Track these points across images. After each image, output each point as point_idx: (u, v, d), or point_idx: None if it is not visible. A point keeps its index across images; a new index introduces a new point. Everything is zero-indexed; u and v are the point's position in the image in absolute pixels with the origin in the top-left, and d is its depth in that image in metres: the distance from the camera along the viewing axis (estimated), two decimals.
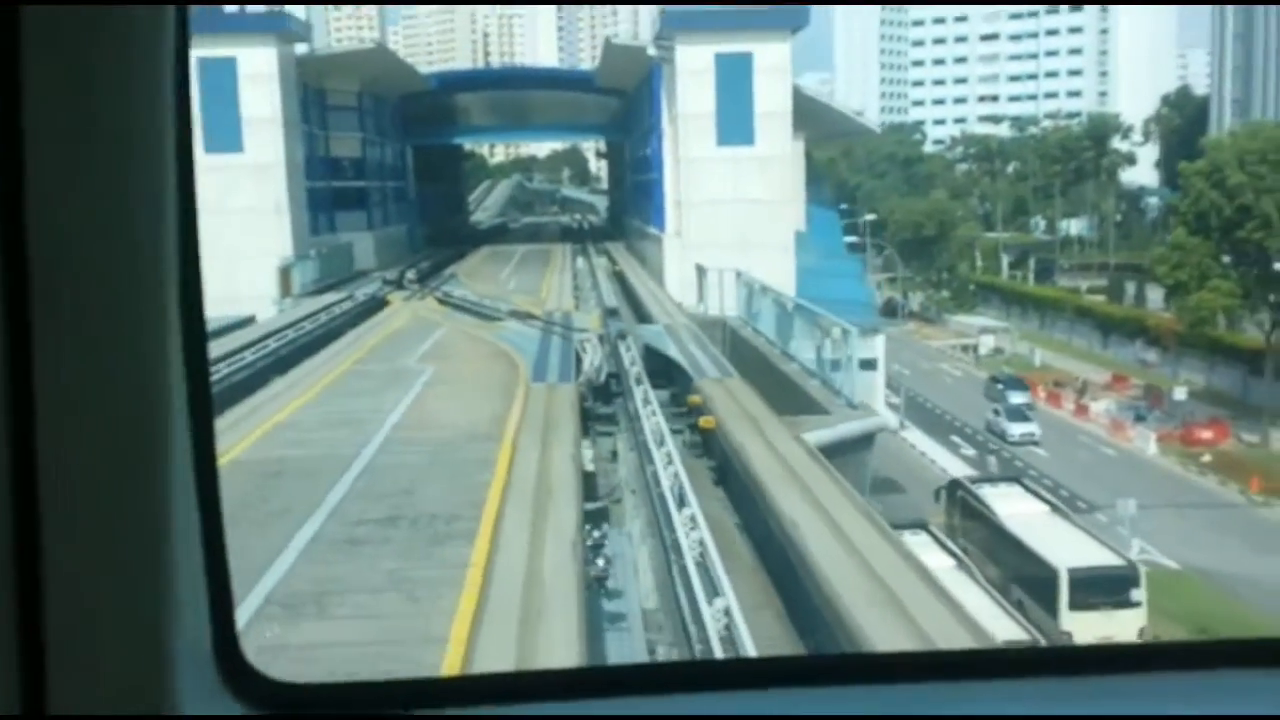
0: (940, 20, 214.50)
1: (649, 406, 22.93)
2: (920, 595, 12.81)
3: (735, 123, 49.47)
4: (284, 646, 11.00)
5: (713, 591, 12.44)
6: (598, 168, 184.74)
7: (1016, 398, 69.94)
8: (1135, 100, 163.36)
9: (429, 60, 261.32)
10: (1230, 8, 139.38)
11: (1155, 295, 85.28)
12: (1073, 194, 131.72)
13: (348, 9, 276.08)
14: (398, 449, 19.46)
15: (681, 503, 15.88)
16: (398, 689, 2.25)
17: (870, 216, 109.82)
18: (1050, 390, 74.88)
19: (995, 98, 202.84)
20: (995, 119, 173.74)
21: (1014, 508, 38.81)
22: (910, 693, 2.09)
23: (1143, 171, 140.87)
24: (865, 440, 24.47)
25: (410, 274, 54.33)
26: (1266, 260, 61.68)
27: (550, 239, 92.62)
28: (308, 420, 22.40)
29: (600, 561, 14.19)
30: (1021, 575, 36.06)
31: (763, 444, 19.82)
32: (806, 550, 14.08)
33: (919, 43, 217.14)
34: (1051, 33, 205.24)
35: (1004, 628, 26.97)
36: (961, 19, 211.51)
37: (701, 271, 45.12)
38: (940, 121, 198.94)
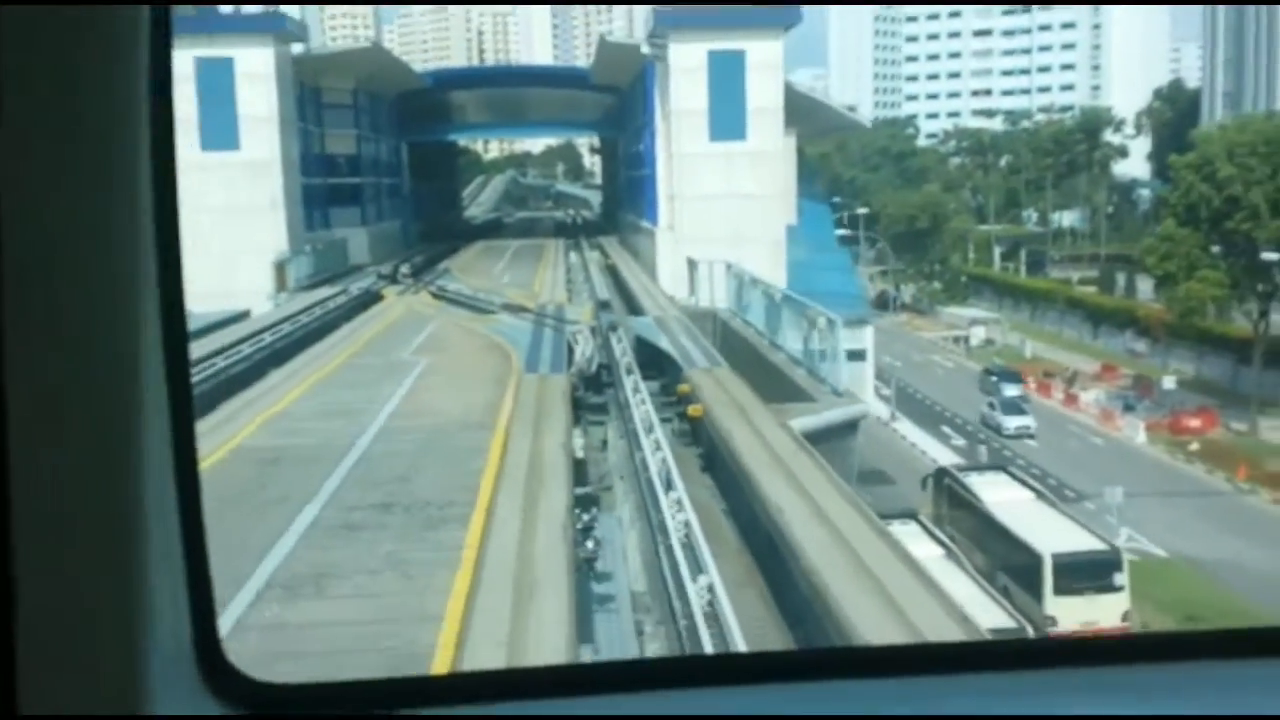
0: (934, 16, 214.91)
1: (638, 395, 23.43)
2: (898, 572, 13.29)
3: (728, 119, 49.84)
4: (284, 625, 11.48)
5: (697, 569, 12.94)
6: (592, 163, 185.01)
7: (1011, 390, 69.81)
8: (1128, 94, 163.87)
9: (424, 58, 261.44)
10: (1221, 5, 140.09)
11: (1146, 286, 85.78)
12: (1065, 186, 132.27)
13: (342, 8, 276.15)
14: (393, 438, 19.93)
15: (669, 486, 16.38)
16: (380, 688, 2.22)
17: (863, 210, 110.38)
18: (1040, 380, 75.28)
19: (988, 92, 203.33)
20: (988, 113, 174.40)
21: (1000, 495, 39.31)
22: (901, 686, 2.10)
23: (1135, 164, 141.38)
24: (850, 426, 25.00)
25: (404, 269, 54.81)
26: (1254, 251, 62.13)
27: (544, 234, 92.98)
28: (304, 411, 22.85)
29: (590, 543, 14.67)
30: (1007, 561, 36.57)
31: (749, 431, 20.33)
32: (789, 531, 14.58)
33: (912, 38, 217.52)
34: (1044, 28, 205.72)
35: (992, 617, 27.37)
36: (955, 15, 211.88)
37: (693, 264, 45.61)
38: (934, 116, 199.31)
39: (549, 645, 10.60)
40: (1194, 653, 2.20)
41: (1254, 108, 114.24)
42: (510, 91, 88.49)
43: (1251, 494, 52.99)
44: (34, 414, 1.69)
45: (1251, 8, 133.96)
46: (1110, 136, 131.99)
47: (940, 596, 12.66)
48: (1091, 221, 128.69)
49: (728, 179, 48.82)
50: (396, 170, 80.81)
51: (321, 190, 62.41)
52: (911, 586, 12.71)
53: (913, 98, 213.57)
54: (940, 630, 11.56)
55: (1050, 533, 35.96)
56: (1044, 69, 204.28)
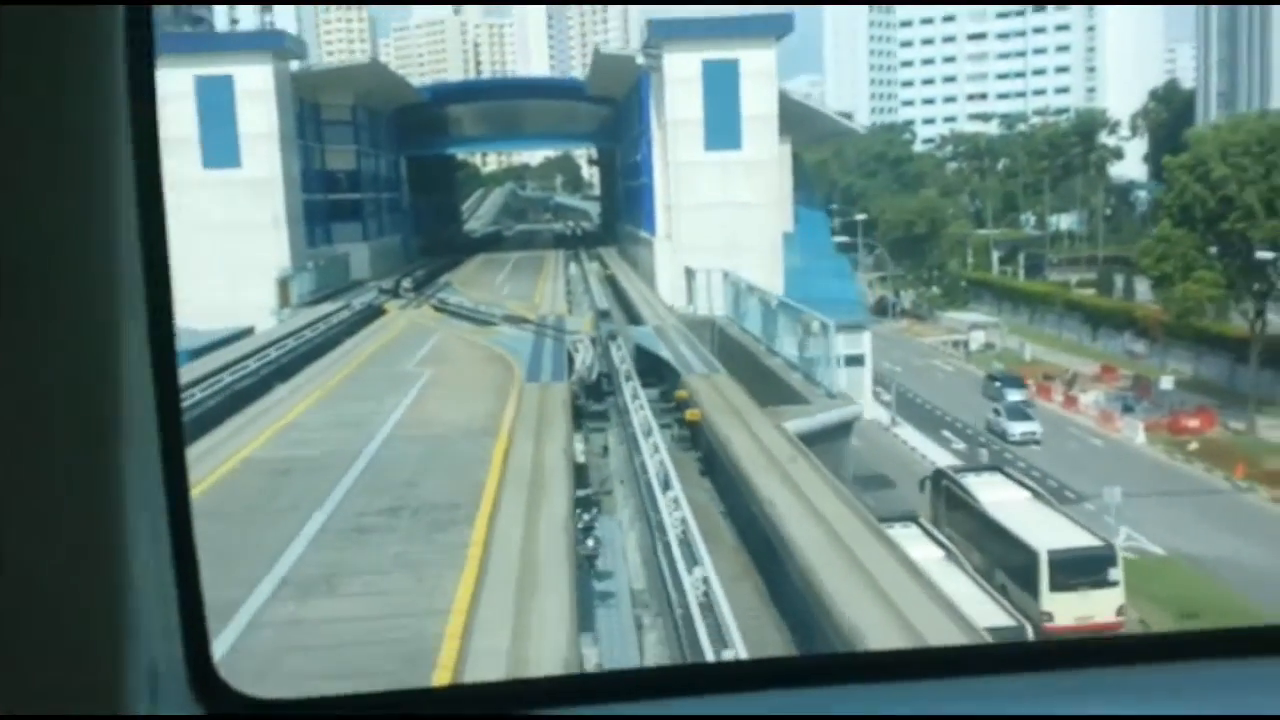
0: (928, 20, 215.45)
1: (637, 401, 23.99)
2: (889, 566, 13.81)
3: (723, 128, 50.39)
4: (299, 621, 12.01)
5: (693, 563, 13.46)
6: (590, 174, 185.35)
7: (1015, 395, 69.40)
8: (1123, 96, 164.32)
9: (420, 71, 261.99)
10: (1214, 5, 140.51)
11: (1144, 288, 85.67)
12: (1062, 189, 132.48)
13: (338, 23, 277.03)
14: (399, 446, 20.49)
15: (666, 486, 16.91)
16: (371, 702, 2.19)
17: (861, 216, 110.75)
18: (1040, 383, 75.28)
19: (984, 96, 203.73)
20: (984, 117, 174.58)
21: (996, 495, 39.77)
22: (902, 690, 2.10)
23: (1132, 165, 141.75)
24: (844, 427, 25.53)
25: (406, 283, 55.36)
26: (1250, 250, 62.25)
27: (543, 245, 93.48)
28: (312, 422, 23.39)
29: (590, 542, 15.21)
30: (1004, 559, 37.02)
31: (746, 433, 20.88)
32: (783, 527, 15.12)
33: (907, 43, 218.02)
34: (1039, 31, 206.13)
35: (992, 616, 27.69)
36: (949, 19, 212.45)
37: (690, 273, 46.14)
38: (930, 121, 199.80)
39: (551, 636, 11.12)
40: (1193, 653, 2.19)
41: (1249, 107, 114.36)
42: (507, 104, 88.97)
43: (1250, 492, 53.04)
44: (15, 422, 1.65)
45: (1244, 8, 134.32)
46: (1105, 138, 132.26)
47: (929, 588, 13.18)
48: (1089, 224, 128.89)
49: (724, 187, 49.36)
50: (396, 185, 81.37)
51: (322, 206, 62.98)
52: (901, 579, 13.23)
53: (909, 103, 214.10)
54: (925, 619, 12.05)
55: (1046, 530, 36.44)
56: (1039, 71, 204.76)
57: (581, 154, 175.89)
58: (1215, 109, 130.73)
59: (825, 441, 22.86)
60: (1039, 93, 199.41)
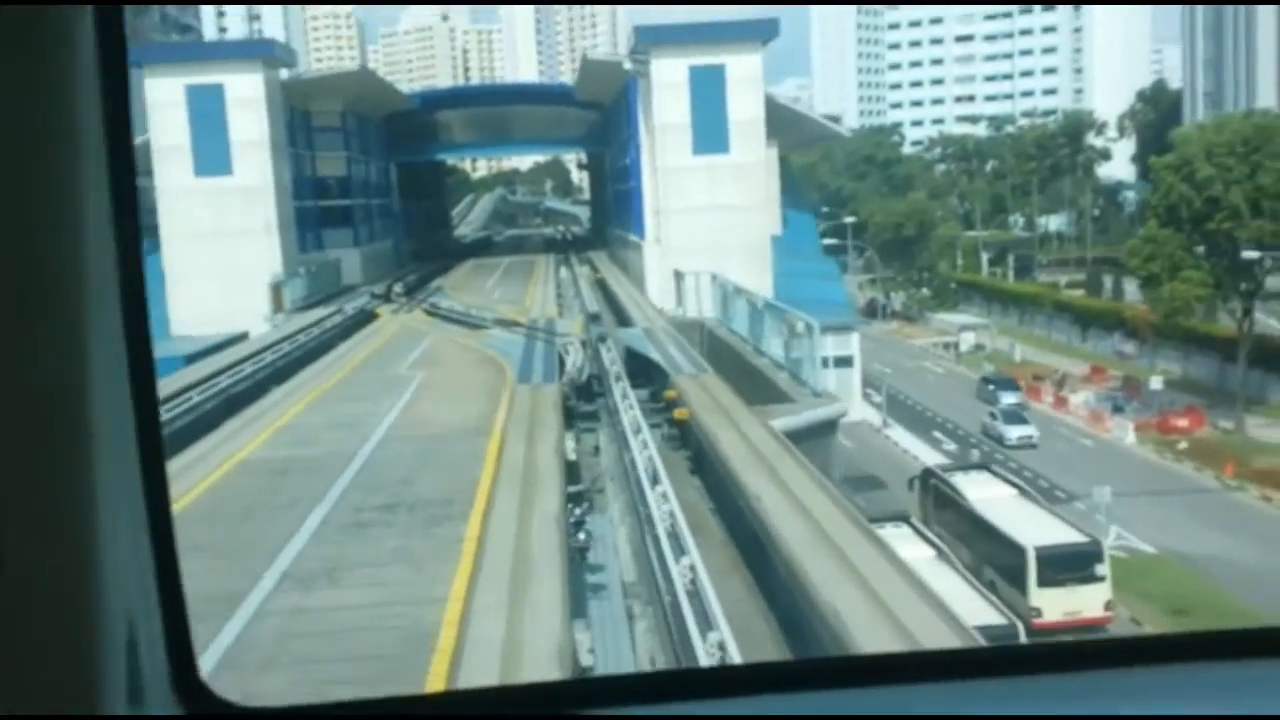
0: (916, 23, 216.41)
1: (626, 401, 24.44)
2: (868, 554, 14.24)
3: (710, 132, 50.81)
4: (302, 609, 12.43)
5: (680, 552, 13.91)
6: (580, 179, 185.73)
7: (1010, 398, 69.41)
8: (1111, 96, 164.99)
9: (409, 78, 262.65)
10: (1199, 5, 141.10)
11: (1132, 288, 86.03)
12: (1050, 191, 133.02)
13: (326, 30, 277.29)
14: (394, 446, 20.92)
15: (655, 481, 17.36)
16: (354, 709, 2.19)
17: (850, 219, 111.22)
18: (1030, 384, 75.70)
19: (972, 98, 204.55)
20: (972, 119, 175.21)
21: (984, 492, 40.30)
22: (902, 694, 2.10)
23: (1120, 166, 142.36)
24: (829, 425, 26.03)
25: (398, 287, 55.76)
26: (1236, 250, 62.61)
27: (534, 250, 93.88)
28: (308, 424, 23.81)
29: (581, 535, 15.66)
30: (992, 556, 37.54)
31: (733, 431, 21.34)
32: (768, 520, 15.58)
33: (895, 46, 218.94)
34: (1026, 32, 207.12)
35: (983, 615, 28.03)
36: (937, 21, 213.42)
37: (679, 276, 46.59)
38: (918, 123, 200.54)
39: (545, 622, 11.53)
40: (1186, 655, 2.19)
41: (1235, 107, 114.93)
42: (496, 110, 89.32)
43: (1239, 490, 53.42)
44: None
45: (1229, 7, 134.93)
46: (1093, 139, 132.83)
47: (908, 576, 13.63)
48: (1078, 225, 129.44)
49: (712, 191, 49.78)
50: (386, 191, 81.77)
51: (314, 212, 63.37)
52: (883, 568, 13.68)
53: (897, 105, 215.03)
54: (904, 606, 12.49)
55: (1033, 527, 37.02)
56: (1027, 73, 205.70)
57: (571, 159, 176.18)
58: (1202, 109, 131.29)
59: (812, 439, 23.37)
60: (1027, 94, 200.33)
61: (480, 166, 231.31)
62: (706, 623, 11.76)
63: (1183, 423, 63.65)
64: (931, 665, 2.26)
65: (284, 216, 55.39)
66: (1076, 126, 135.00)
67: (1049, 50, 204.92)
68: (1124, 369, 78.82)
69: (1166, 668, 2.17)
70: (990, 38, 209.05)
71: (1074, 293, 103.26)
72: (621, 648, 13.74)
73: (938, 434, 67.19)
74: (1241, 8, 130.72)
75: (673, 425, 25.86)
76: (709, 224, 48.83)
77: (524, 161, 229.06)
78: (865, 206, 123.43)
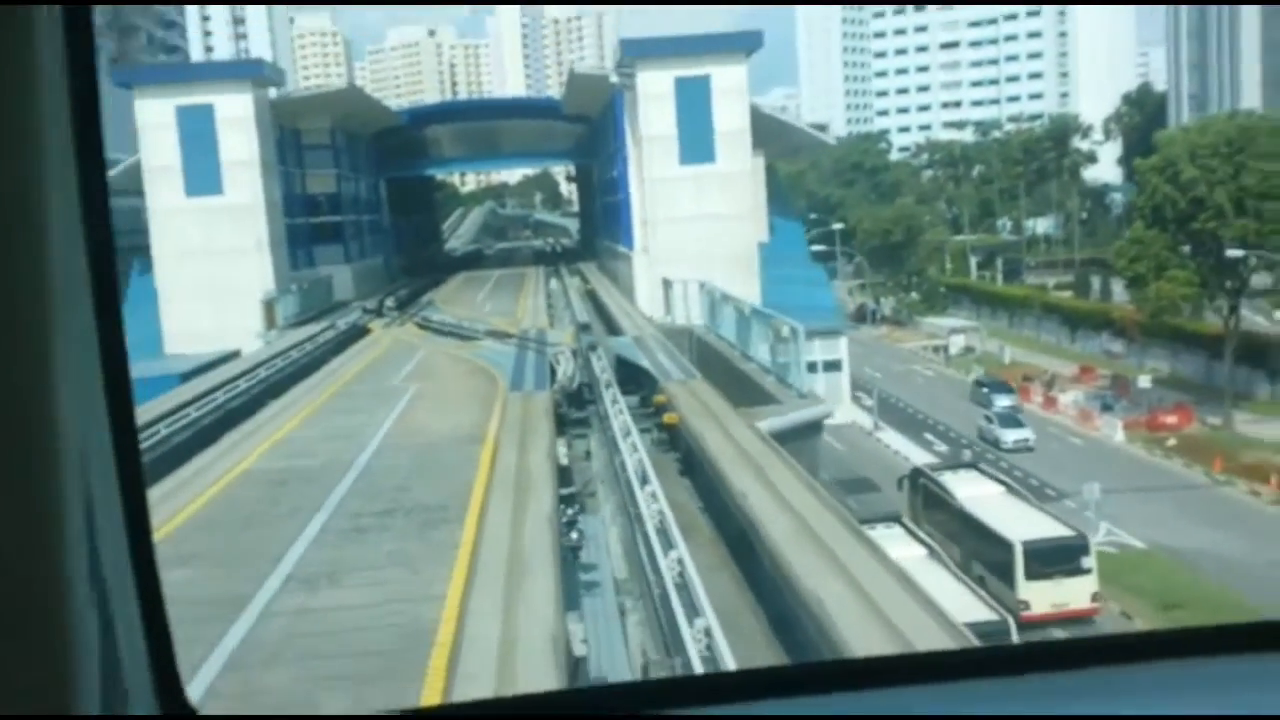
0: (901, 31, 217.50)
1: (616, 406, 24.96)
2: (851, 546, 14.73)
3: (696, 142, 51.35)
4: (307, 610, 12.92)
5: (668, 546, 14.41)
6: (569, 191, 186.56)
7: (1004, 401, 69.68)
8: (1097, 99, 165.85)
9: (397, 93, 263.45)
10: (1184, 6, 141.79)
11: (1120, 289, 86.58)
12: (1038, 194, 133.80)
13: (313, 47, 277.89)
14: (390, 455, 21.42)
15: (644, 481, 17.86)
16: None
17: (838, 225, 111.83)
18: (1020, 385, 76.22)
19: (958, 104, 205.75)
20: (959, 125, 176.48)
21: (972, 490, 40.97)
22: (897, 696, 2.10)
23: (1107, 169, 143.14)
24: (814, 425, 26.60)
25: (389, 302, 56.28)
26: (1221, 249, 63.17)
27: (524, 262, 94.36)
28: (305, 436, 24.28)
29: (574, 534, 16.16)
30: (981, 552, 38.21)
31: (721, 433, 21.87)
32: (754, 516, 16.11)
33: (881, 54, 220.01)
34: (1011, 38, 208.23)
35: (976, 612, 28.46)
36: (922, 29, 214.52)
37: (667, 285, 47.13)
38: (905, 129, 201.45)
39: (540, 615, 12.01)
40: (1180, 650, 2.19)
41: (1220, 109, 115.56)
42: (484, 124, 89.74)
43: (1228, 485, 53.93)
44: None
45: (1213, 8, 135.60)
46: (1079, 143, 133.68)
47: (885, 562, 14.13)
48: (1065, 228, 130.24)
49: (699, 201, 50.30)
50: (376, 207, 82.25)
51: (304, 229, 63.80)
52: (862, 556, 14.17)
53: (884, 113, 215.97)
54: (882, 590, 12.96)
55: (1020, 523, 37.74)
56: (1012, 79, 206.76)
57: (560, 171, 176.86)
58: (1187, 111, 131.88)
59: (798, 439, 23.94)
60: (1013, 99, 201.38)
61: (469, 180, 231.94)
62: (694, 610, 12.26)
63: (1171, 420, 64.20)
64: (928, 667, 2.23)
65: (275, 234, 55.84)
66: (1062, 130, 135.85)
67: (1034, 55, 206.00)
68: (1113, 368, 79.36)
69: (1161, 664, 2.16)
70: (975, 44, 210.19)
71: (1062, 294, 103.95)
72: (614, 640, 14.24)
73: (929, 435, 67.64)
74: (1225, 9, 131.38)
75: (662, 430, 26.39)
76: (697, 233, 49.32)
77: (513, 175, 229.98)
78: (853, 213, 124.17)
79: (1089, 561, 36.60)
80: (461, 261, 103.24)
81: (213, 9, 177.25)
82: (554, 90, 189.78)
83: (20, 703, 1.65)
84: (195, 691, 10.38)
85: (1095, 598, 36.60)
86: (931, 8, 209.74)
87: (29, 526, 1.64)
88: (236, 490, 19.13)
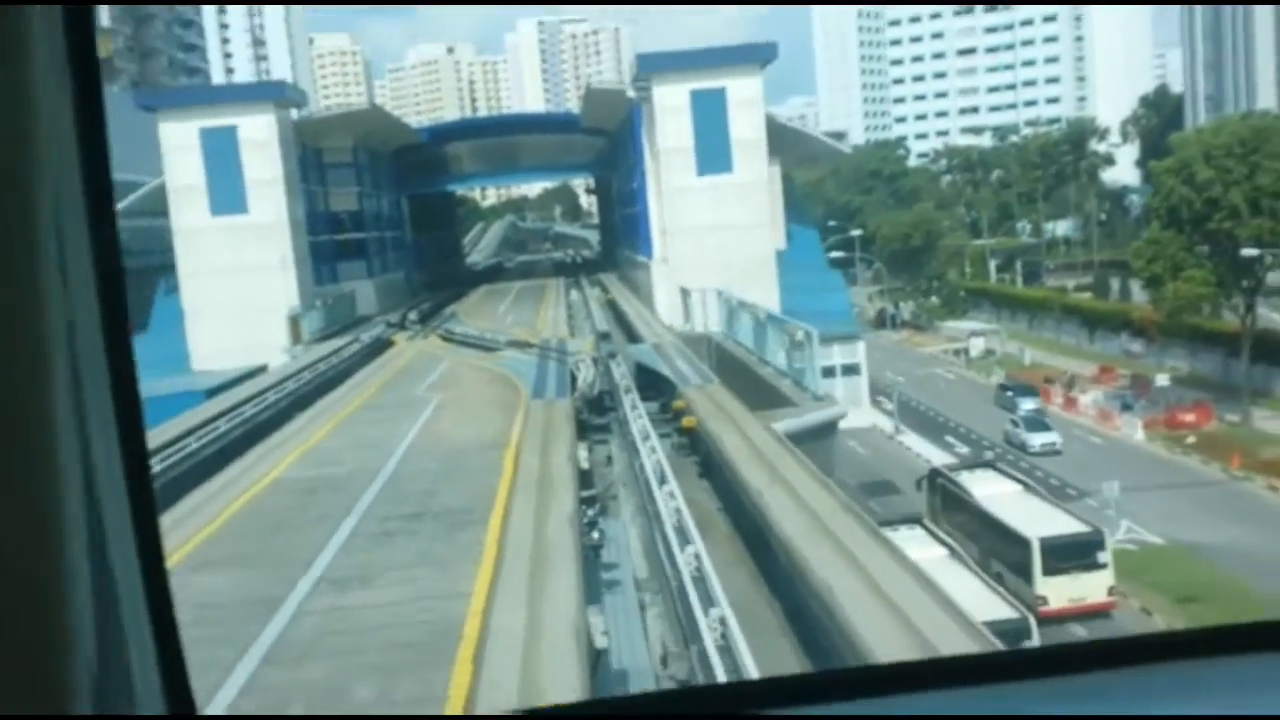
0: (917, 38, 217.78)
1: (636, 411, 25.56)
2: (865, 544, 15.26)
3: (713, 153, 51.94)
4: (339, 608, 13.51)
5: (685, 542, 14.98)
6: (588, 203, 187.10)
7: (1029, 404, 69.64)
8: (1114, 101, 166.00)
9: (417, 111, 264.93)
10: (1198, 6, 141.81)
11: (1139, 289, 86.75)
12: (1056, 197, 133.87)
13: (333, 66, 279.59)
14: (416, 461, 22.03)
15: (662, 481, 18.44)
16: None
17: (856, 232, 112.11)
18: (1040, 386, 76.35)
19: (976, 109, 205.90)
20: (976, 130, 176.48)
21: (989, 489, 41.43)
22: (917, 701, 2.09)
23: (1125, 171, 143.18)
24: (829, 426, 27.19)
25: (412, 315, 56.95)
26: (1237, 248, 63.34)
27: (544, 274, 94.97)
28: (333, 446, 24.91)
29: (595, 534, 16.75)
30: (999, 549, 38.68)
31: (738, 435, 22.44)
32: (770, 514, 16.66)
33: (898, 61, 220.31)
34: (1027, 43, 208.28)
35: (996, 610, 28.78)
36: (938, 36, 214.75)
37: (686, 293, 47.72)
38: (923, 136, 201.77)
39: (563, 609, 12.56)
40: (1206, 650, 2.15)
41: (1236, 109, 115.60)
42: (504, 140, 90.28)
43: (1246, 481, 54.05)
44: None
45: (1227, 9, 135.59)
46: (1096, 145, 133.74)
47: (894, 553, 14.66)
48: (1084, 230, 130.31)
49: (716, 210, 50.89)
50: (398, 223, 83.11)
51: (328, 246, 64.58)
52: (871, 548, 14.71)
53: (901, 119, 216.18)
54: (891, 580, 13.48)
55: (1037, 519, 38.23)
56: (1029, 83, 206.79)
57: (579, 184, 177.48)
58: (1204, 112, 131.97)
59: (813, 440, 24.53)
60: (1030, 103, 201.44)
61: (490, 195, 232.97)
62: (709, 599, 12.82)
63: (1190, 418, 64.31)
64: (951, 672, 2.22)
65: (299, 251, 56.57)
66: (1080, 133, 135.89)
67: (1051, 59, 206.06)
68: (1132, 368, 79.39)
69: (1181, 664, 2.14)
70: (992, 49, 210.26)
71: (1082, 296, 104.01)
72: (634, 632, 14.84)
73: (949, 438, 67.79)
74: (1239, 9, 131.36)
75: (682, 434, 26.96)
76: (714, 242, 49.84)
77: (533, 188, 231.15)
78: (873, 219, 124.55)
79: (1105, 556, 37.08)
80: (483, 275, 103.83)
81: (233, 33, 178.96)
82: (572, 104, 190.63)
83: (25, 703, 1.60)
84: (232, 685, 11.01)
85: (1112, 591, 37.07)
86: (947, 13, 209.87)
87: (33, 528, 1.60)
88: (268, 499, 19.74)
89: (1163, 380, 69.99)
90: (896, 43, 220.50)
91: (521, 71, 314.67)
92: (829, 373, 39.42)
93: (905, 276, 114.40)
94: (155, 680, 1.84)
